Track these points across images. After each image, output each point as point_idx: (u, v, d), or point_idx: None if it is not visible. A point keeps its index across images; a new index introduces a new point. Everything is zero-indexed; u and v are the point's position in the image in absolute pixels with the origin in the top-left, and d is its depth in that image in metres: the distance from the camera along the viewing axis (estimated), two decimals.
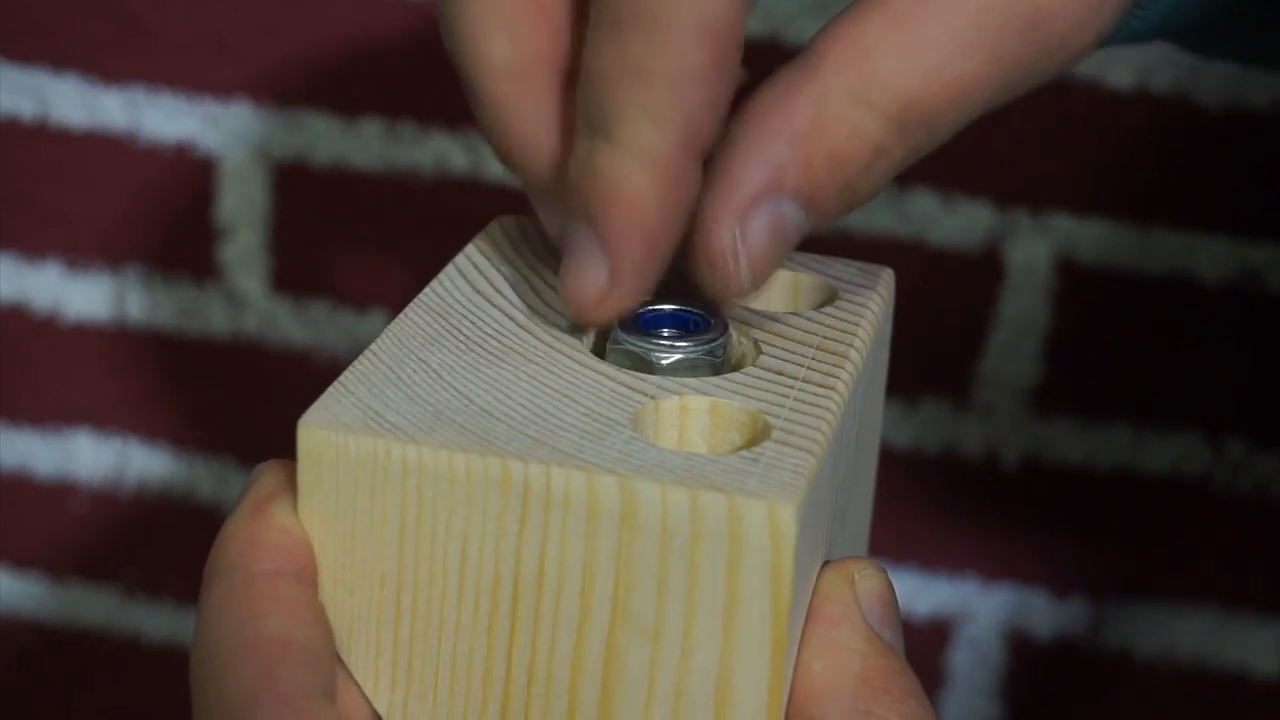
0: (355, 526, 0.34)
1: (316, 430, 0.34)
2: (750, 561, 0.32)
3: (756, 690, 0.33)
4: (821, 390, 0.36)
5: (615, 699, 0.33)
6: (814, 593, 0.35)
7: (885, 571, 0.36)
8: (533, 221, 0.42)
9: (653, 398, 0.35)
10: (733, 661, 0.33)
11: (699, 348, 0.37)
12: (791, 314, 0.39)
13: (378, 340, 0.37)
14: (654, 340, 0.37)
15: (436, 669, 0.34)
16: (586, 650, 0.33)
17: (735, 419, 0.35)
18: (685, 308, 0.38)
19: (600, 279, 0.35)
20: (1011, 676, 0.65)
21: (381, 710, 0.35)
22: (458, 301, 0.39)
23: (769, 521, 0.32)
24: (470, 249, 0.41)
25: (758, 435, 0.34)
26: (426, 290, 0.39)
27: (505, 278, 0.40)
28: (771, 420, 0.34)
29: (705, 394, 0.35)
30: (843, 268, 0.41)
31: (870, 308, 0.40)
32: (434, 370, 0.36)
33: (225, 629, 0.34)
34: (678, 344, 0.37)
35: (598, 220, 0.34)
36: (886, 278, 0.41)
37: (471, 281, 0.40)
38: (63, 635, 0.71)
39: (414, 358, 0.36)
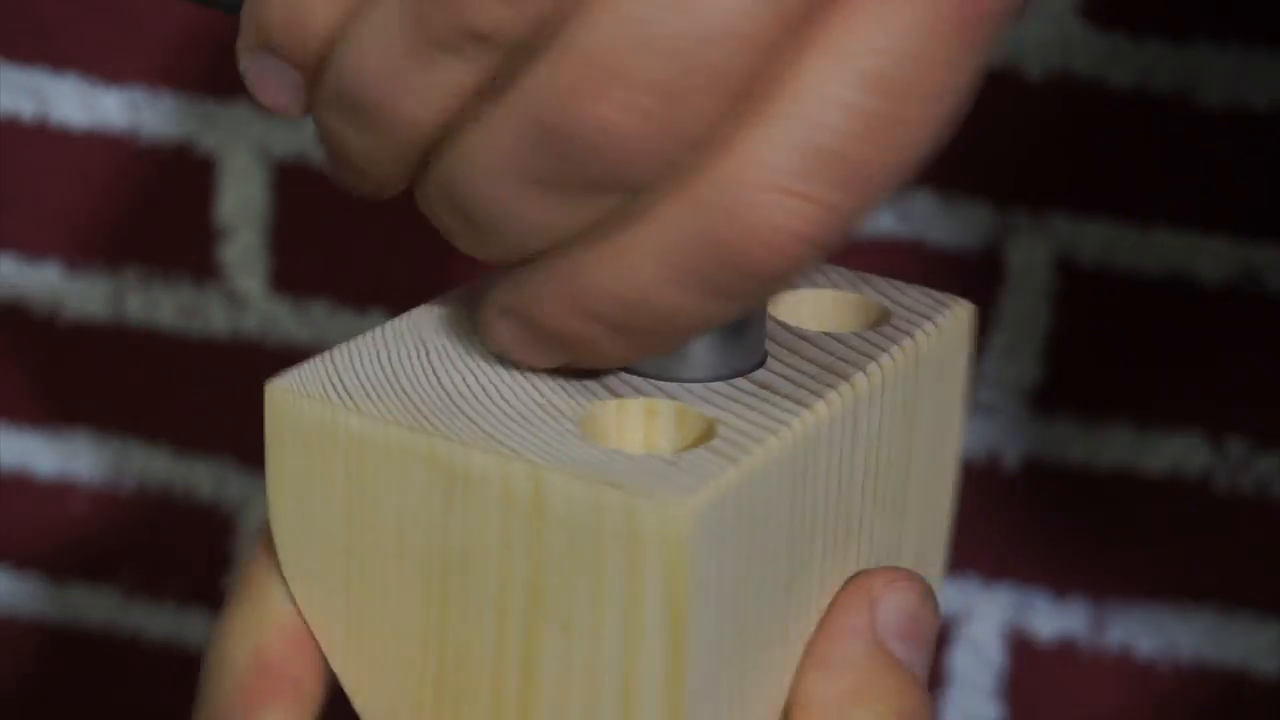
0: (311, 488, 0.35)
1: (280, 390, 0.35)
2: (648, 562, 0.32)
3: (656, 691, 0.33)
4: (793, 405, 0.35)
5: (534, 686, 0.34)
6: (833, 602, 0.36)
7: (922, 583, 0.36)
8: None
9: (619, 396, 0.35)
10: (637, 660, 0.33)
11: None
12: (825, 334, 0.39)
13: (400, 317, 0.38)
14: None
15: (383, 638, 0.35)
16: (507, 634, 0.33)
17: (695, 425, 0.35)
18: None
19: (293, 80, 0.34)
20: (1011, 676, 0.65)
21: (337, 671, 0.36)
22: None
23: (661, 524, 0.32)
24: None
25: (702, 442, 0.34)
26: (467, 285, 0.40)
27: None
28: (722, 429, 0.34)
29: (674, 398, 0.35)
30: (918, 295, 0.40)
31: (913, 334, 0.39)
32: (427, 352, 0.36)
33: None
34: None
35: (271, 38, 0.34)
36: (958, 309, 0.40)
37: None
38: (63, 635, 0.71)
39: (417, 338, 0.37)
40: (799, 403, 0.36)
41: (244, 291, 0.66)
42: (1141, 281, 0.61)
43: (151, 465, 0.69)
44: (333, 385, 0.35)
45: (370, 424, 0.34)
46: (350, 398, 0.34)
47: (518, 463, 0.33)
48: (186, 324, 0.67)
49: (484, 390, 0.35)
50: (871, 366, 0.37)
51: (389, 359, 0.36)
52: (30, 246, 0.67)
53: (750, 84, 0.31)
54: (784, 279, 0.32)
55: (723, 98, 0.30)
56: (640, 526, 0.32)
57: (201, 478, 0.68)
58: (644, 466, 0.33)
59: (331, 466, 0.34)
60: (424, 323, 0.38)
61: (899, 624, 0.36)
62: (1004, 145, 0.61)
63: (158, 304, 0.67)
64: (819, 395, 0.36)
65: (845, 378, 0.37)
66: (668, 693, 0.33)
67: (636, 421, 0.36)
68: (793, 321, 0.40)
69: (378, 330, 0.37)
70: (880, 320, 0.40)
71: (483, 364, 0.36)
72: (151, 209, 0.66)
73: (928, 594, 0.36)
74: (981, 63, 0.32)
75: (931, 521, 0.42)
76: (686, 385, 0.36)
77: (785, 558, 0.35)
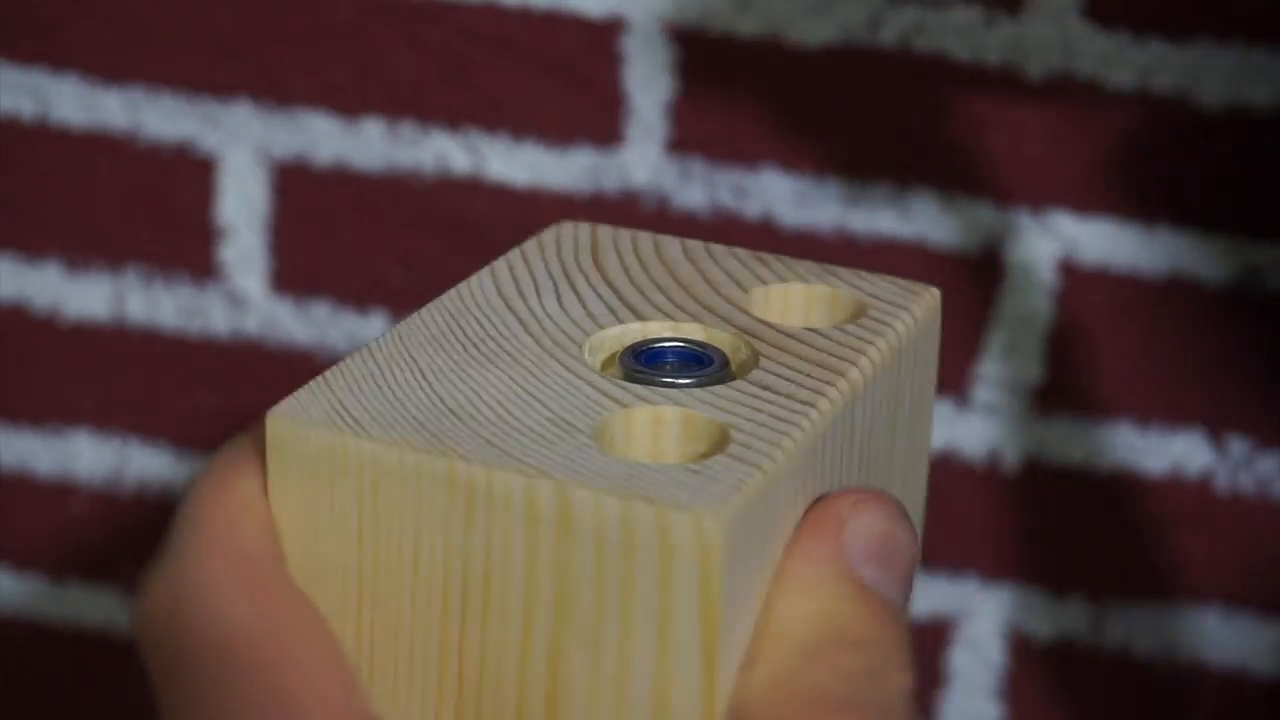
0: (319, 517, 0.34)
1: (283, 421, 0.34)
2: (679, 574, 0.32)
3: (691, 701, 0.33)
4: (800, 406, 0.35)
5: (559, 702, 0.33)
6: (799, 525, 0.35)
7: (891, 503, 0.35)
8: (593, 229, 0.42)
9: (625, 406, 0.35)
10: (668, 671, 0.32)
11: (702, 380, 0.36)
12: (808, 329, 0.38)
13: (381, 336, 0.37)
14: (656, 374, 0.36)
15: (396, 661, 0.34)
16: (532, 653, 0.33)
17: (705, 431, 0.35)
18: (687, 343, 0.38)
19: None
20: (1011, 676, 0.65)
21: None
22: (476, 304, 0.39)
23: (695, 535, 0.32)
24: (515, 253, 0.41)
25: (716, 448, 0.34)
26: (452, 290, 0.39)
27: (537, 282, 0.40)
28: (735, 434, 0.34)
29: (681, 405, 0.35)
30: (886, 285, 0.40)
31: (894, 326, 0.39)
32: (420, 370, 0.36)
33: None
34: (679, 379, 0.36)
35: None
36: (927, 297, 0.40)
37: (500, 284, 0.40)
38: (63, 635, 0.71)
39: (406, 357, 0.36)
40: (803, 403, 0.35)
41: (244, 291, 0.66)
42: (1141, 281, 0.61)
43: (151, 465, 0.69)
44: (337, 412, 0.34)
45: (384, 449, 0.33)
46: (358, 423, 0.34)
47: (543, 480, 0.32)
48: (186, 324, 0.67)
49: (490, 408, 0.35)
50: (863, 361, 0.37)
51: (386, 380, 0.35)
52: (30, 246, 0.67)
53: None
54: None
55: None
56: (674, 539, 0.32)
57: None
58: (670, 478, 0.32)
59: (342, 494, 0.34)
60: (409, 339, 0.37)
61: (867, 547, 0.34)
62: (1004, 145, 0.61)
63: (158, 304, 0.67)
64: (820, 394, 0.36)
65: (842, 374, 0.37)
66: (703, 702, 0.32)
67: (643, 430, 0.35)
68: (770, 318, 0.40)
69: (365, 351, 0.37)
70: (857, 313, 0.39)
71: (479, 381, 0.36)
72: (151, 209, 0.66)
73: (898, 514, 0.35)
74: None
75: (910, 505, 0.42)
76: (688, 391, 0.36)
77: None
